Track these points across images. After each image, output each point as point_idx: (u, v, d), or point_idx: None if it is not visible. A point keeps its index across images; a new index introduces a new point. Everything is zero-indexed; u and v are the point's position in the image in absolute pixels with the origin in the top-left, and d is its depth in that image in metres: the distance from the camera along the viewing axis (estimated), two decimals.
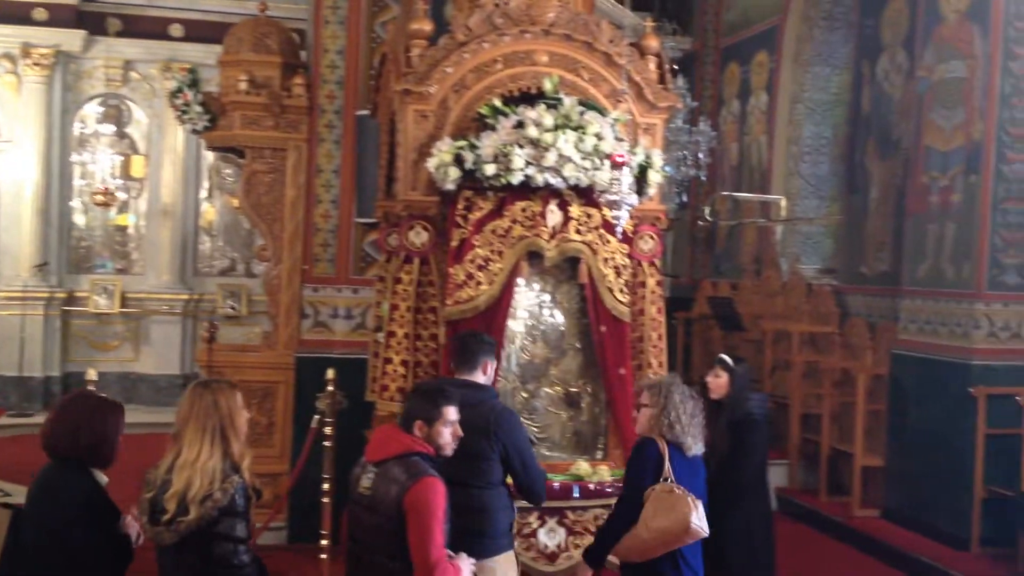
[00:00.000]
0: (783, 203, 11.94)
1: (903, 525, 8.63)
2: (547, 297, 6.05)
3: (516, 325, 5.96)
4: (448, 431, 4.14)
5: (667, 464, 4.58)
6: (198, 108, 7.95)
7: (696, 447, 4.66)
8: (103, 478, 4.19)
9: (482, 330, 5.55)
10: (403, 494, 3.87)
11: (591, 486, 5.61)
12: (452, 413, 4.15)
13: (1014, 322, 8.18)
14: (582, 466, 5.74)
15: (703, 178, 13.08)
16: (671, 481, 4.55)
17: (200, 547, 3.83)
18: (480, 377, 4.88)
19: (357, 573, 4.17)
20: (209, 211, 14.24)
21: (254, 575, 3.96)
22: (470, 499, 4.56)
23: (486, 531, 4.66)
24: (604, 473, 5.70)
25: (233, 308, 13.59)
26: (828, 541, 9.08)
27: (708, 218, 12.72)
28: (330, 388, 6.47)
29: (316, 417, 6.53)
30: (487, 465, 4.65)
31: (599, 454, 6.02)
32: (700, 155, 12.19)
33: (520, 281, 5.89)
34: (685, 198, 13.45)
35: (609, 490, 5.57)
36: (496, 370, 5.19)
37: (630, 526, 4.59)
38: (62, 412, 4.24)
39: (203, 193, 14.20)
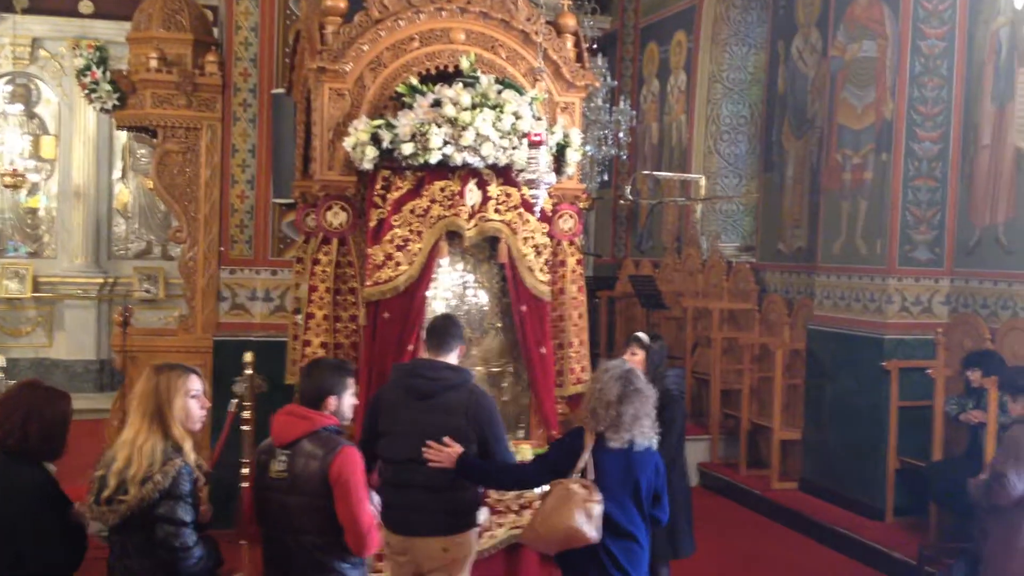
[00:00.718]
0: (703, 182, 12.09)
1: (820, 496, 8.83)
2: (471, 278, 6.03)
3: (439, 306, 5.93)
4: (353, 402, 4.29)
5: (586, 456, 4.34)
6: (107, 87, 7.72)
7: (618, 441, 4.34)
8: (51, 467, 4.14)
9: (402, 311, 5.53)
10: (327, 468, 3.99)
11: None
12: (353, 384, 4.31)
13: (925, 297, 8.39)
14: None
15: (624, 157, 13.16)
16: (581, 475, 4.34)
17: (144, 529, 3.82)
18: (454, 360, 4.88)
19: (280, 558, 4.17)
20: (123, 193, 13.89)
21: (200, 557, 3.92)
22: (444, 477, 4.61)
23: (457, 509, 4.73)
24: (526, 452, 5.71)
25: (148, 291, 13.30)
26: (748, 513, 9.25)
27: (629, 197, 12.81)
28: (248, 371, 6.36)
29: (234, 401, 6.41)
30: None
31: (521, 433, 6.04)
32: (621, 134, 12.26)
33: (443, 262, 5.87)
34: (607, 177, 13.53)
35: None
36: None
37: (511, 486, 4.88)
38: (10, 403, 4.16)
39: (116, 174, 13.85)
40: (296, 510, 4.05)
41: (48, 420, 4.12)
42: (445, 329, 4.93)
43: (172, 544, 3.82)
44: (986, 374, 7.11)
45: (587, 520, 4.25)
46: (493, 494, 5.53)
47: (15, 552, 3.99)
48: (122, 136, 13.08)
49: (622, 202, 13.52)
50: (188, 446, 3.92)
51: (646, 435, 4.43)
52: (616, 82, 13.28)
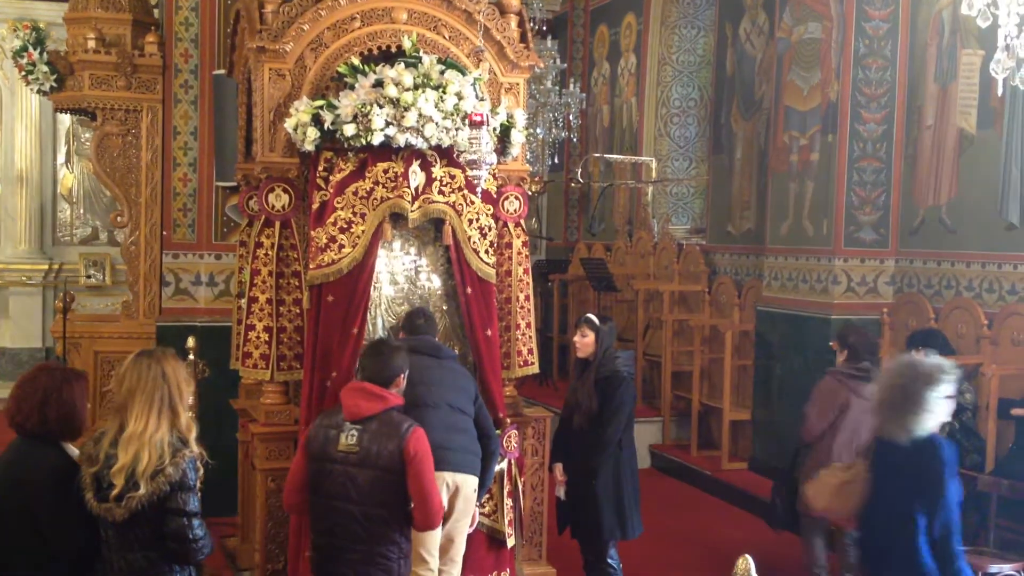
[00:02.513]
0: (653, 164, 12.11)
1: (769, 476, 8.87)
2: (424, 262, 5.99)
3: (390, 291, 5.89)
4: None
5: None
6: (44, 68, 7.57)
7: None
8: (73, 451, 4.11)
9: (346, 293, 5.48)
10: (404, 445, 4.26)
11: None
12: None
13: (870, 277, 8.47)
14: None
15: (575, 140, 13.15)
16: None
17: (152, 522, 3.79)
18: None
19: (340, 527, 4.31)
20: (68, 178, 13.63)
21: (207, 548, 3.92)
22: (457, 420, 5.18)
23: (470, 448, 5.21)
24: None
25: (89, 277, 13.07)
26: (699, 494, 9.32)
27: (580, 180, 12.81)
28: (191, 357, 6.28)
29: None
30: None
31: None
32: (571, 117, 12.25)
33: (395, 246, 5.83)
34: (557, 160, 13.52)
35: None
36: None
37: None
38: (27, 387, 4.10)
39: (61, 159, 13.60)
40: (365, 483, 4.24)
41: (66, 401, 4.06)
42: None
43: (184, 535, 3.81)
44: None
45: None
46: None
47: (37, 534, 3.97)
48: (66, 120, 12.84)
49: (573, 185, 13.52)
50: (193, 436, 3.91)
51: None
52: (566, 65, 13.25)
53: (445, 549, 5.21)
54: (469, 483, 5.20)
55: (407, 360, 4.61)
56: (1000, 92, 5.04)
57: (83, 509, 3.97)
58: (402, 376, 4.54)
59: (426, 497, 4.30)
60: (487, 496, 5.73)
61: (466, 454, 5.19)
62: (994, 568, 5.92)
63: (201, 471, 3.95)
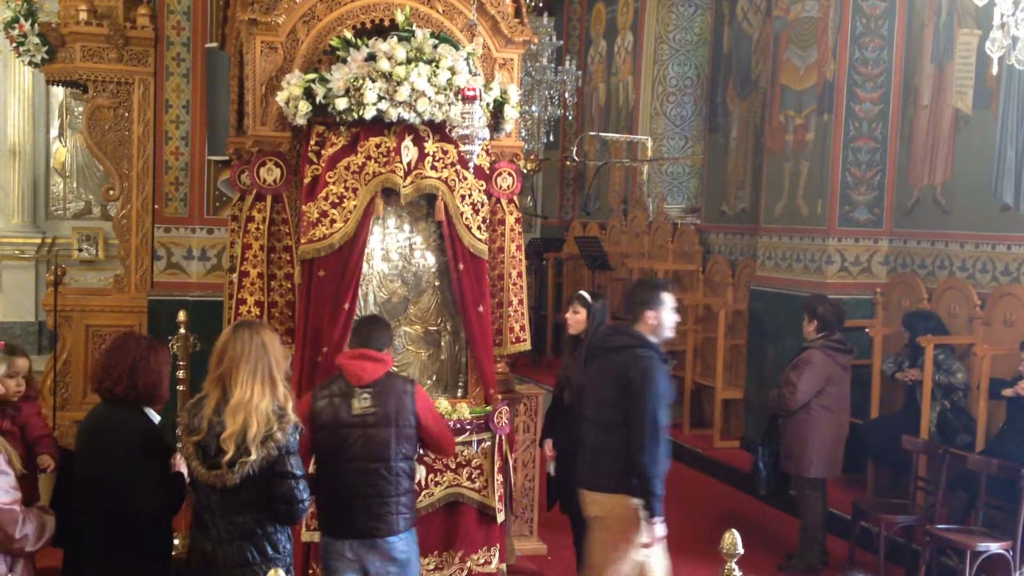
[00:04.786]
0: (649, 143, 12.08)
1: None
2: (418, 239, 5.97)
3: (383, 267, 5.88)
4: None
5: None
6: (35, 39, 7.52)
7: None
8: (155, 416, 4.32)
9: (338, 269, 5.46)
10: (414, 400, 4.57)
11: (451, 423, 5.59)
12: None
13: (864, 257, 8.47)
14: (442, 404, 5.70)
15: (571, 118, 13.10)
16: None
17: (259, 486, 3.91)
18: (644, 327, 4.99)
19: (356, 483, 4.46)
20: (61, 151, 13.57)
21: (307, 509, 4.11)
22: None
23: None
24: (464, 411, 5.69)
25: (82, 251, 13.03)
26: (691, 472, 9.34)
27: (576, 158, 12.78)
28: (182, 331, 6.27)
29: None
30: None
31: (459, 392, 6.00)
32: (567, 95, 12.20)
33: (389, 223, 5.80)
34: (553, 138, 13.47)
35: (469, 428, 5.58)
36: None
37: None
38: (116, 355, 4.30)
39: (54, 132, 13.53)
40: (387, 441, 4.46)
41: (153, 368, 4.28)
42: (631, 295, 5.34)
43: (293, 497, 3.94)
44: (923, 333, 7.21)
45: None
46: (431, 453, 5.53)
47: (120, 498, 4.13)
48: (59, 93, 12.76)
49: (568, 163, 13.49)
50: (290, 405, 4.04)
51: None
52: (562, 42, 13.19)
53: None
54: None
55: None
56: (995, 71, 5.01)
57: (165, 474, 4.23)
58: (390, 347, 4.77)
59: (442, 433, 4.76)
60: (478, 471, 5.74)
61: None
62: (982, 546, 5.95)
63: (297, 437, 4.07)
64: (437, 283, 6.02)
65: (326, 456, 4.53)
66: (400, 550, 4.58)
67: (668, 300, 5.04)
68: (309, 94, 5.38)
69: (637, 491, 4.80)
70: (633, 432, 4.79)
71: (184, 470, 4.28)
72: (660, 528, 4.85)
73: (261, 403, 3.91)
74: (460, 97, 5.11)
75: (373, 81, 5.33)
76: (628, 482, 4.82)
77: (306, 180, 5.52)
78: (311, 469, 4.57)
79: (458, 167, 5.63)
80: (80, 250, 13.15)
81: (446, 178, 5.62)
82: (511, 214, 6.07)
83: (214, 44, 7.18)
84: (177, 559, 4.75)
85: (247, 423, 3.86)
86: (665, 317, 5.01)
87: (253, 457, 3.85)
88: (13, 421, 4.35)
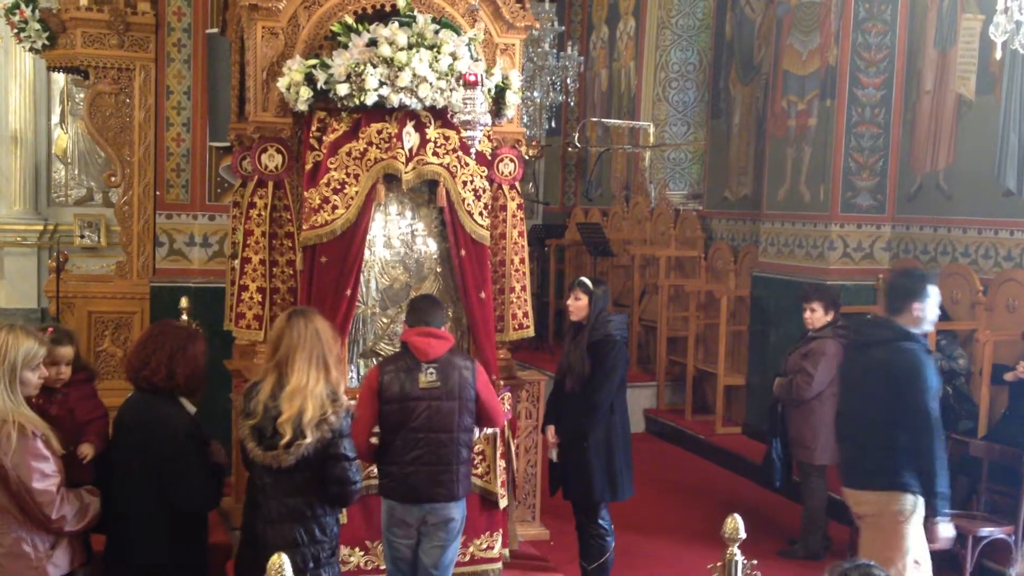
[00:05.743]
0: (651, 129, 12.04)
1: (763, 440, 8.90)
2: (420, 226, 5.97)
3: (385, 253, 5.88)
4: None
5: None
6: (36, 25, 7.50)
7: None
8: (191, 407, 4.34)
9: (339, 255, 5.46)
10: (475, 374, 4.84)
11: None
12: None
13: (866, 243, 8.45)
14: None
15: (573, 104, 13.07)
16: None
17: (313, 468, 4.03)
18: (906, 319, 4.83)
19: (422, 452, 4.70)
20: (62, 138, 13.58)
21: (357, 492, 4.23)
22: None
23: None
24: None
25: (84, 237, 13.03)
26: (692, 458, 9.36)
27: (578, 144, 12.75)
28: (184, 317, 6.27)
29: None
30: None
31: None
32: (569, 81, 12.16)
33: (391, 209, 5.80)
34: (554, 124, 13.44)
35: None
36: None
37: None
38: (153, 343, 4.32)
39: (55, 119, 13.52)
40: (451, 413, 4.71)
41: (191, 357, 4.31)
42: (893, 286, 5.13)
43: (346, 478, 4.08)
44: None
45: None
46: None
47: (161, 486, 4.18)
48: (60, 80, 12.76)
49: (570, 149, 13.45)
50: (342, 389, 4.16)
51: None
52: (564, 27, 13.15)
53: None
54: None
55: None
56: (999, 55, 5.00)
57: (204, 464, 4.29)
58: (447, 324, 5.14)
59: (496, 408, 5.01)
60: (480, 457, 5.75)
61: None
62: (984, 531, 5.96)
63: (349, 421, 4.21)
64: (439, 269, 6.03)
65: (393, 426, 4.73)
66: (455, 518, 4.83)
67: (934, 292, 4.91)
68: (310, 80, 5.38)
69: (915, 488, 4.73)
70: (910, 430, 4.71)
71: (222, 458, 4.41)
72: (946, 528, 4.77)
73: (316, 388, 4.02)
74: (462, 83, 5.10)
75: (374, 67, 5.32)
76: (900, 479, 4.75)
77: (307, 166, 5.52)
78: (374, 440, 4.76)
79: (460, 153, 5.63)
80: (82, 237, 13.17)
81: (448, 164, 5.61)
82: (513, 200, 6.07)
83: (215, 30, 7.16)
84: None
85: (303, 407, 3.98)
86: (930, 310, 4.86)
87: (308, 440, 3.97)
88: (61, 406, 4.37)
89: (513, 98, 5.78)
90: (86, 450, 4.37)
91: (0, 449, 3.81)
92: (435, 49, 5.37)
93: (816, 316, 6.98)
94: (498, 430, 5.79)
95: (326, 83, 5.36)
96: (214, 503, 4.45)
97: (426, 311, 4.92)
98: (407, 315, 5.07)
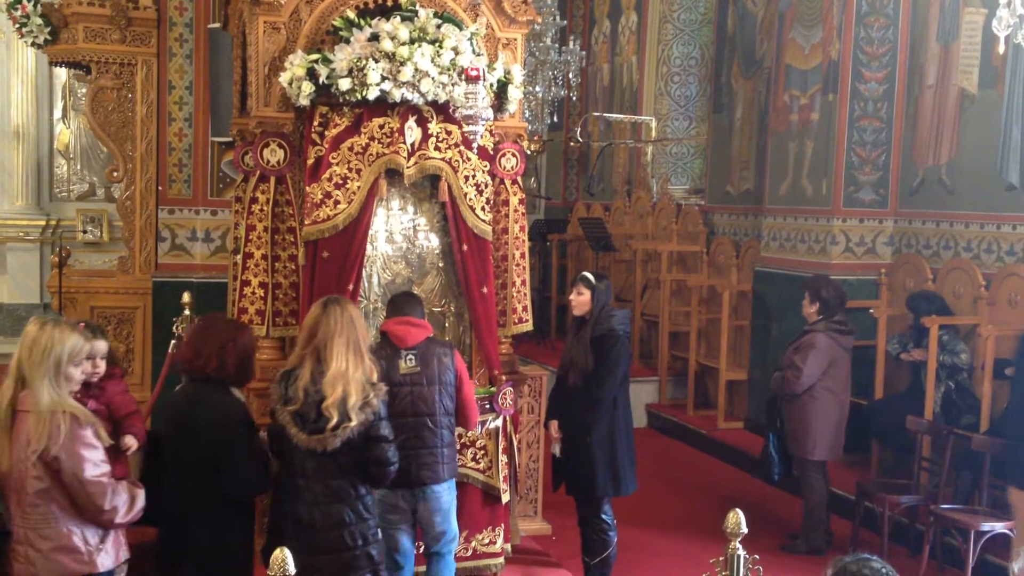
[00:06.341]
0: (653, 124, 12.03)
1: (764, 435, 8.89)
2: (422, 221, 5.96)
3: (387, 248, 5.87)
4: None
5: None
6: (38, 20, 7.50)
7: None
8: (240, 396, 4.45)
9: (341, 250, 5.45)
10: (454, 361, 4.99)
11: None
12: None
13: (869, 237, 8.45)
14: None
15: (575, 99, 13.06)
16: None
17: (356, 450, 4.16)
18: None
19: (406, 437, 4.75)
20: (64, 133, 13.55)
21: (395, 472, 4.31)
22: None
23: None
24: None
25: (86, 232, 13.03)
26: (695, 453, 9.36)
27: (580, 139, 12.74)
28: (186, 312, 6.27)
29: (173, 342, 6.34)
30: None
31: None
32: (571, 75, 12.15)
33: (393, 205, 5.79)
34: (556, 119, 13.43)
35: None
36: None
37: None
38: (204, 336, 4.41)
39: (57, 114, 13.51)
40: (432, 397, 4.86)
41: (241, 348, 4.39)
42: None
43: (387, 459, 4.21)
44: (928, 314, 7.20)
45: None
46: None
47: (217, 473, 4.24)
48: (62, 75, 12.74)
49: (572, 144, 13.45)
50: (376, 375, 4.27)
51: None
52: (566, 22, 13.13)
53: None
54: None
55: None
56: (1002, 50, 4.97)
57: (257, 452, 4.35)
58: (424, 318, 5.17)
59: (470, 401, 5.09)
60: (482, 452, 5.75)
61: None
62: (986, 526, 5.96)
63: (386, 404, 4.32)
64: (441, 264, 6.02)
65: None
66: (445, 500, 4.98)
67: None
68: (312, 75, 5.37)
69: None
70: None
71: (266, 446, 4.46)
72: None
73: (355, 373, 4.16)
74: (464, 77, 5.10)
75: (376, 61, 5.32)
76: None
77: (309, 161, 5.52)
78: None
79: (462, 148, 5.62)
80: (84, 232, 13.15)
81: (450, 159, 5.61)
82: (515, 195, 6.07)
83: (217, 24, 7.16)
84: None
85: (346, 391, 4.11)
86: None
87: (354, 423, 4.09)
88: (98, 400, 4.38)
89: (515, 93, 5.77)
90: (129, 442, 4.39)
91: (52, 440, 3.81)
92: (437, 44, 5.36)
93: (806, 308, 7.05)
94: (499, 425, 5.80)
95: (328, 78, 5.36)
96: (265, 488, 4.50)
97: (404, 304, 5.09)
98: (387, 310, 5.21)
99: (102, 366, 4.49)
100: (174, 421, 4.42)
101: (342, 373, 4.14)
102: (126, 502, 4.01)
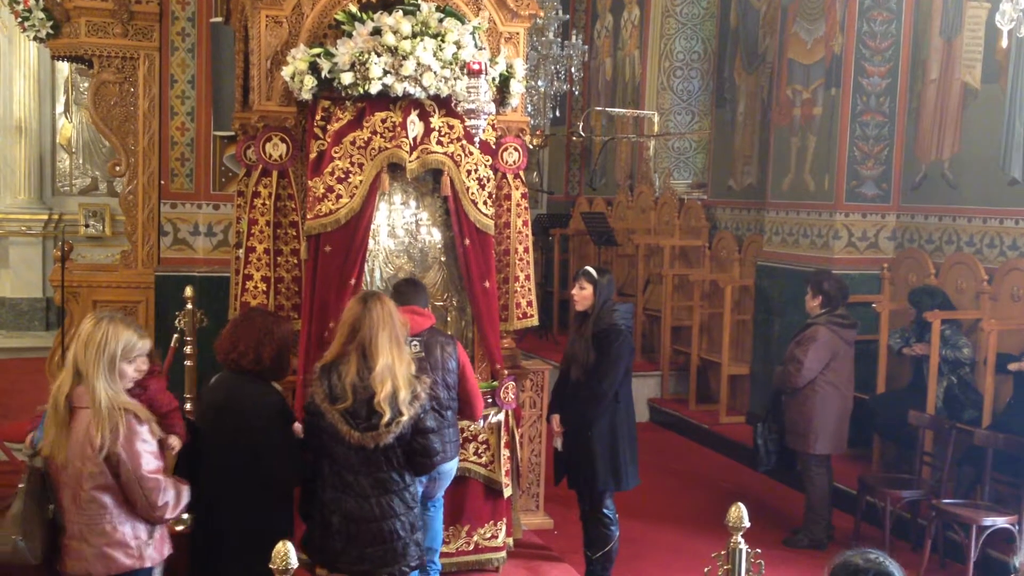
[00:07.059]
0: (656, 118, 12.02)
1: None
2: (424, 215, 5.96)
3: (389, 242, 5.88)
4: None
5: None
6: (40, 14, 7.50)
7: None
8: (277, 387, 4.51)
9: (344, 244, 5.46)
10: (456, 351, 5.11)
11: None
12: None
13: (871, 232, 8.44)
14: None
15: (577, 93, 13.05)
16: None
17: (403, 443, 4.22)
18: None
19: None
20: (67, 127, 13.56)
21: (439, 461, 4.46)
22: None
23: None
24: None
25: (88, 227, 13.03)
26: (697, 447, 9.36)
27: (582, 134, 12.73)
28: (188, 306, 6.28)
29: (176, 336, 6.35)
30: None
31: None
32: (573, 70, 12.13)
33: (395, 199, 5.80)
34: (559, 114, 13.42)
35: None
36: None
37: None
38: (241, 328, 4.46)
39: (60, 108, 13.51)
40: (436, 381, 4.88)
41: (278, 341, 4.44)
42: None
43: (433, 450, 4.28)
44: (930, 308, 7.19)
45: None
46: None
47: (256, 463, 4.28)
48: (65, 69, 12.74)
49: (575, 139, 13.43)
50: (412, 369, 4.29)
51: None
52: (569, 16, 13.11)
53: None
54: None
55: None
56: (1005, 44, 4.96)
57: (294, 442, 4.39)
58: (428, 307, 5.29)
59: (474, 392, 5.19)
60: (484, 446, 5.76)
61: None
62: (988, 521, 5.96)
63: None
64: (443, 258, 6.02)
65: None
66: (449, 476, 5.20)
67: None
68: (314, 69, 5.38)
69: None
70: None
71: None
72: None
73: (401, 367, 4.20)
74: (466, 71, 5.09)
75: (379, 55, 5.32)
76: None
77: (312, 155, 5.52)
78: None
79: (464, 142, 5.62)
80: (87, 226, 13.16)
81: (452, 153, 5.61)
82: (517, 189, 6.07)
83: (219, 18, 7.16)
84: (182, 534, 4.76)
85: (396, 386, 4.15)
86: None
87: (406, 417, 4.15)
88: (140, 398, 4.39)
89: (517, 87, 5.77)
90: (174, 442, 4.40)
91: (112, 436, 3.82)
92: (439, 38, 5.37)
93: (809, 302, 7.03)
94: (501, 419, 5.81)
95: (330, 72, 5.36)
96: (302, 476, 4.51)
97: (409, 293, 5.16)
98: (393, 298, 5.12)
99: (146, 364, 4.51)
100: (212, 412, 4.45)
101: (389, 368, 4.17)
102: (174, 497, 4.03)
